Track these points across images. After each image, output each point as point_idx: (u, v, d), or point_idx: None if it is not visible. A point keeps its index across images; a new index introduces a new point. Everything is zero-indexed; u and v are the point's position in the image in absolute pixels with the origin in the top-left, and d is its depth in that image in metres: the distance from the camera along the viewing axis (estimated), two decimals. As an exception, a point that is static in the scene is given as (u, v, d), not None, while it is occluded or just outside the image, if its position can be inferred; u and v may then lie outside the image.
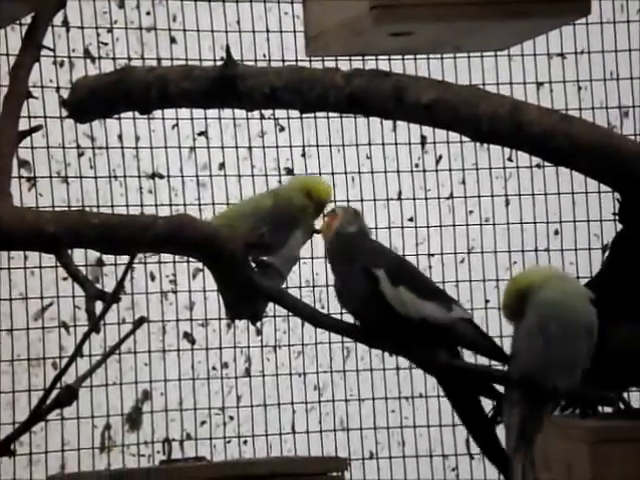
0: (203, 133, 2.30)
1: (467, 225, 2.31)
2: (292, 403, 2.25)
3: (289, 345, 2.27)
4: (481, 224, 2.31)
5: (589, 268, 2.25)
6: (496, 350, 1.49)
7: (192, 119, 2.26)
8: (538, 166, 2.29)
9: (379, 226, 2.29)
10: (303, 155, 2.31)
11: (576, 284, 1.53)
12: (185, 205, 2.26)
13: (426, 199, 2.31)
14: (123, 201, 2.24)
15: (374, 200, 2.30)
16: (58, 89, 2.15)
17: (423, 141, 2.34)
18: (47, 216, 1.52)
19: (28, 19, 1.63)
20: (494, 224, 2.30)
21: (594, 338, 1.47)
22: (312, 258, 2.22)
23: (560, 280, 1.50)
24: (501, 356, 1.49)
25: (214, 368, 2.27)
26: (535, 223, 2.29)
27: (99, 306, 1.54)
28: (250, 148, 2.28)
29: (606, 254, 1.75)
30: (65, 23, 2.17)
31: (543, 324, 1.46)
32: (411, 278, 1.47)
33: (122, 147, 2.23)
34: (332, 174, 2.28)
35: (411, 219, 2.32)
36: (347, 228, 1.51)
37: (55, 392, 1.42)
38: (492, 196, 2.31)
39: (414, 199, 2.31)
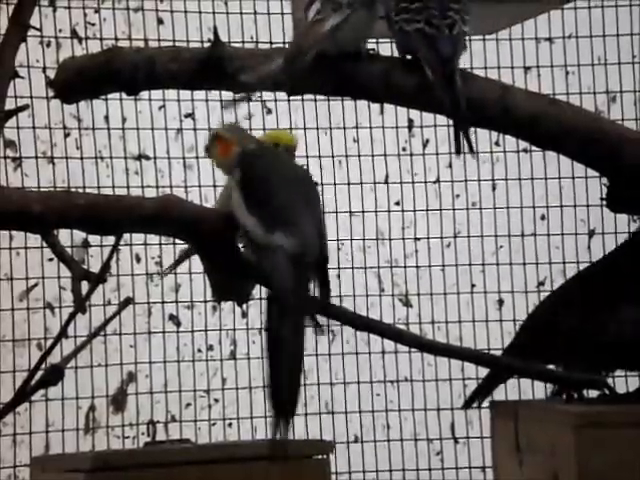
0: (190, 115, 2.29)
1: (454, 209, 2.31)
2: (277, 386, 2.24)
3: (275, 328, 2.27)
4: (468, 208, 2.31)
5: (575, 253, 2.26)
6: (294, 296, 1.34)
7: (179, 101, 2.25)
8: (525, 151, 2.29)
9: (366, 209, 2.29)
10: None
11: None
12: (171, 187, 2.25)
13: (413, 183, 2.31)
14: (109, 182, 2.23)
15: (361, 184, 2.30)
16: (45, 69, 2.14)
17: (410, 125, 2.34)
18: (33, 196, 1.52)
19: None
20: (481, 208, 2.31)
21: None
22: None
23: None
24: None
25: (199, 350, 2.27)
26: (522, 208, 2.30)
27: (85, 287, 1.53)
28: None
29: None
30: (52, 3, 2.16)
31: None
32: (252, 195, 1.40)
33: (109, 128, 2.22)
34: (319, 157, 2.28)
35: (398, 203, 2.32)
36: (249, 145, 1.47)
37: (40, 373, 1.42)
38: (479, 180, 2.31)
39: (401, 183, 2.31)
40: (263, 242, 1.40)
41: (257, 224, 1.41)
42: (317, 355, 2.27)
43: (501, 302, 2.31)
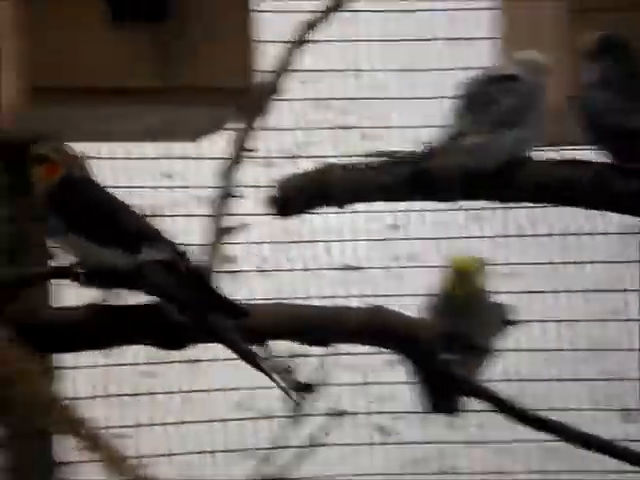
0: (395, 226, 2.31)
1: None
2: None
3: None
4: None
5: None
6: (187, 297, 1.40)
7: (383, 212, 2.27)
8: None
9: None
10: (494, 245, 2.29)
11: None
12: (376, 296, 2.26)
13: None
14: (316, 292, 2.26)
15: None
16: (259, 187, 2.20)
17: None
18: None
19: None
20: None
21: None
22: (514, 350, 2.18)
23: None
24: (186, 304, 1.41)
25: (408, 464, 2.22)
26: None
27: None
28: (439, 239, 2.27)
29: None
30: (267, 128, 2.23)
31: None
32: (94, 227, 1.43)
33: (315, 241, 2.26)
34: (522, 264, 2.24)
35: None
36: (74, 173, 1.45)
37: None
38: None
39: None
40: (138, 263, 1.42)
41: (118, 253, 1.43)
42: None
43: None
